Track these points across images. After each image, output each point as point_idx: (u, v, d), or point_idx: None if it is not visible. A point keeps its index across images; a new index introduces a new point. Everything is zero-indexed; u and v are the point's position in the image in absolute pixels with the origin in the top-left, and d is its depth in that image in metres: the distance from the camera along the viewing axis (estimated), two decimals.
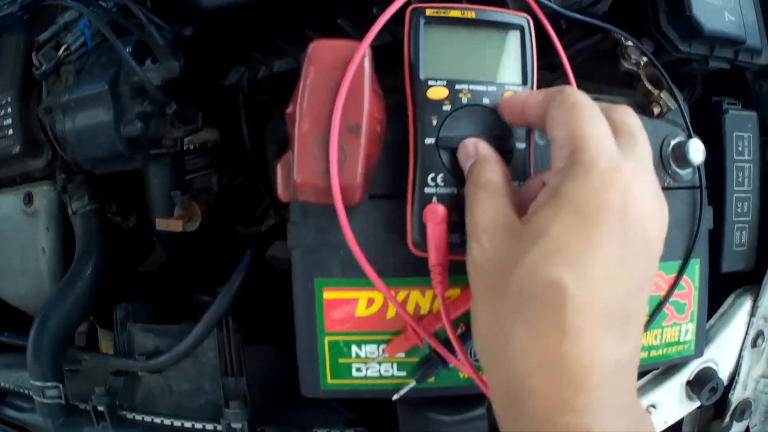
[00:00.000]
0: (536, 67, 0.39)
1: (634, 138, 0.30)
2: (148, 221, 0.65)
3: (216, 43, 0.49)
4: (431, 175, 0.36)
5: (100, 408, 0.52)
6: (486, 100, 0.38)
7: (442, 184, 0.36)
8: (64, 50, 0.51)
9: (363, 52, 0.37)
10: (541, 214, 0.28)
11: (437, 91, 0.38)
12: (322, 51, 0.38)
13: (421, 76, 0.38)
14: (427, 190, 0.36)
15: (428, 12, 0.39)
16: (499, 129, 0.37)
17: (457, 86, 0.38)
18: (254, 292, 0.52)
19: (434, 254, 0.35)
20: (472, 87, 0.38)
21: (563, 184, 0.28)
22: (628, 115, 0.32)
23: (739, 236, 0.49)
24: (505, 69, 0.39)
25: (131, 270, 0.65)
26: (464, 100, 0.38)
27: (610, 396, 0.25)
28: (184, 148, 0.55)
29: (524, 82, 0.38)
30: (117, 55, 0.50)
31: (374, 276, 0.37)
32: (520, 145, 0.37)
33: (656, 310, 0.44)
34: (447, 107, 0.37)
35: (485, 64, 0.39)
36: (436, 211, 0.35)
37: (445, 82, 0.38)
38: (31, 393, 0.58)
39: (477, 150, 0.35)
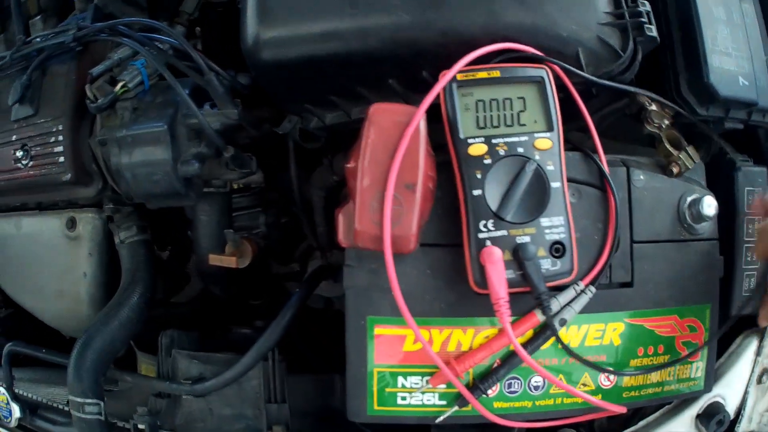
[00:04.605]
0: (559, 113, 0.49)
1: None
2: (183, 253, 0.75)
3: (270, 92, 0.59)
4: (483, 222, 0.47)
5: (141, 426, 0.62)
6: (520, 149, 0.49)
7: (493, 228, 0.47)
8: (122, 87, 0.61)
9: (419, 118, 0.47)
10: None
11: (477, 148, 0.48)
12: (381, 114, 0.48)
13: (461, 136, 0.49)
14: (480, 235, 0.47)
15: (459, 76, 0.49)
16: (534, 173, 0.47)
17: (494, 140, 0.49)
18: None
19: (498, 290, 0.45)
20: (506, 140, 0.49)
21: None
22: None
23: (748, 282, 0.59)
24: (531, 119, 0.50)
25: (165, 300, 0.74)
26: (501, 153, 0.48)
27: None
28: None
29: (550, 128, 0.49)
30: (174, 96, 0.59)
31: (408, 316, 0.47)
32: (555, 185, 0.48)
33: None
34: (488, 161, 0.48)
35: (515, 117, 0.50)
36: (493, 253, 0.46)
37: (483, 139, 0.49)
38: (65, 407, 0.67)
39: None
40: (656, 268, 0.53)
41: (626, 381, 0.53)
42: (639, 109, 0.55)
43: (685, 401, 0.58)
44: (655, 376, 0.54)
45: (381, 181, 0.46)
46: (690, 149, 0.55)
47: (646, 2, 0.54)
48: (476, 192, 0.48)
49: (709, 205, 0.54)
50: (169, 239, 0.73)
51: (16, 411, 0.70)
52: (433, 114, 0.50)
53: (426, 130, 0.48)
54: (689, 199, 0.54)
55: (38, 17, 0.73)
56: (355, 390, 0.52)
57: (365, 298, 0.51)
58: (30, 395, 0.70)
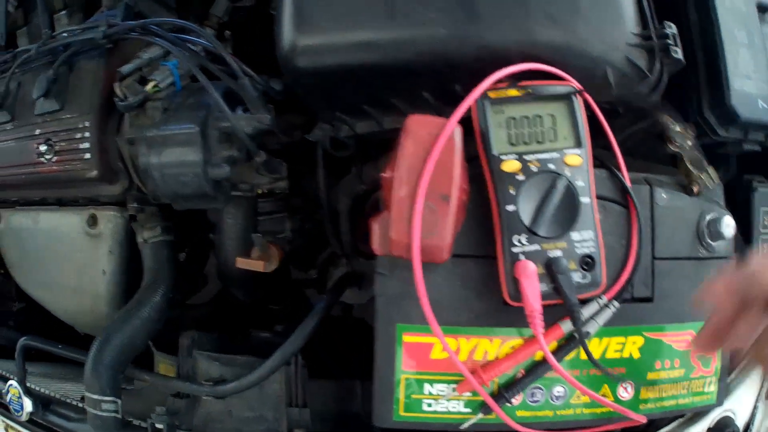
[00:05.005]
0: (587, 129, 0.51)
1: None
2: (201, 256, 0.76)
3: (303, 99, 0.60)
4: (516, 237, 0.49)
5: (159, 425, 0.63)
6: (551, 166, 0.51)
7: (526, 243, 0.49)
8: (153, 87, 0.62)
9: (451, 130, 0.49)
10: None
11: (510, 164, 0.50)
12: (417, 125, 0.50)
13: (494, 152, 0.51)
14: (514, 249, 0.49)
15: (491, 94, 0.51)
16: (565, 189, 0.49)
17: (526, 157, 0.51)
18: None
19: (533, 303, 0.47)
20: (538, 156, 0.51)
21: None
22: None
23: None
24: (561, 135, 0.52)
25: (181, 301, 0.75)
26: (534, 169, 0.50)
27: None
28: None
29: (579, 144, 0.51)
30: (206, 98, 0.60)
31: (434, 324, 0.49)
32: (585, 200, 0.50)
33: None
34: (521, 177, 0.50)
35: (545, 133, 0.52)
36: (527, 267, 0.48)
37: (515, 156, 0.51)
38: (78, 403, 0.68)
39: None
40: (675, 285, 0.56)
41: (643, 393, 0.55)
42: (662, 130, 0.58)
43: (697, 414, 0.61)
44: (670, 389, 0.57)
45: (417, 191, 0.48)
46: (710, 170, 0.57)
47: (672, 24, 0.57)
48: (510, 207, 0.50)
49: (728, 225, 0.56)
50: (186, 241, 0.74)
51: (28, 405, 0.71)
52: (465, 128, 0.51)
53: (462, 142, 0.49)
54: (708, 218, 0.57)
55: (63, 12, 0.74)
56: (382, 396, 0.53)
57: (395, 306, 0.52)
58: (42, 390, 0.71)
